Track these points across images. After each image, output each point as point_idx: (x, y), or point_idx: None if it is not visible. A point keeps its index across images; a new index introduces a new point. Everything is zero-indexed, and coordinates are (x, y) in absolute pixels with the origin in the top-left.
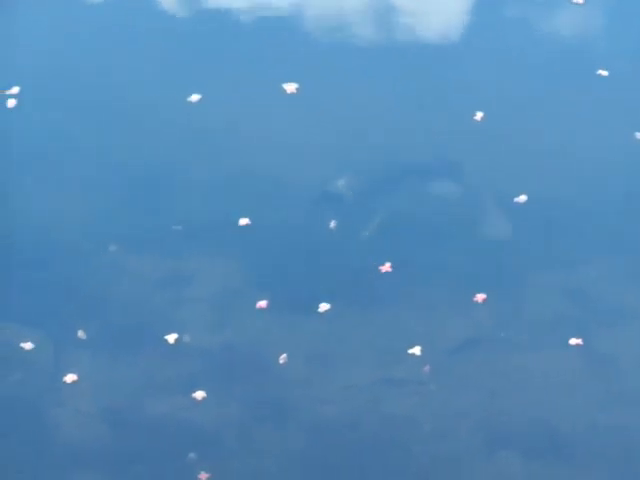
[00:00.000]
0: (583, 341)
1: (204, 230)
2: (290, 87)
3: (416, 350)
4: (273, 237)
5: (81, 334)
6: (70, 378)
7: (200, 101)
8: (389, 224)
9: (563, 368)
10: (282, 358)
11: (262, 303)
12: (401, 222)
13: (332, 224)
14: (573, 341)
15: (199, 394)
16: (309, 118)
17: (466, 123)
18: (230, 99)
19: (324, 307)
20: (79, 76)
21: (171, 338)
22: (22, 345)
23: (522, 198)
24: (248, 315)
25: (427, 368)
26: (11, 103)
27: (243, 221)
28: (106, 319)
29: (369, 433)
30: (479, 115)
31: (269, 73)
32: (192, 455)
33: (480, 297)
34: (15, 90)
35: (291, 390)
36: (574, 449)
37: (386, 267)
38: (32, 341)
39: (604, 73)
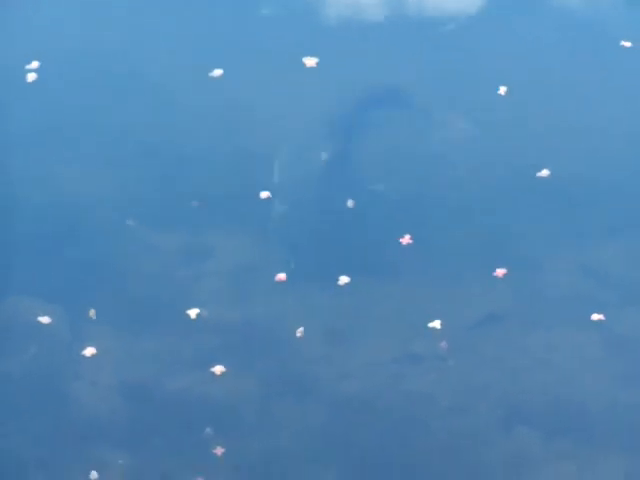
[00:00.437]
0: (604, 318)
1: (224, 204)
2: (310, 61)
3: (436, 324)
4: (292, 210)
5: (92, 314)
6: (88, 352)
7: (222, 76)
8: (410, 198)
9: (583, 345)
10: (299, 332)
11: (281, 276)
12: (422, 196)
13: (350, 203)
14: (595, 317)
15: (218, 369)
16: (330, 92)
17: (490, 97)
18: (251, 74)
19: (344, 280)
20: (99, 52)
21: (192, 313)
22: (39, 319)
23: (544, 173)
24: (267, 289)
25: (444, 344)
26: (31, 77)
27: (264, 194)
28: (124, 293)
29: (388, 409)
30: (503, 89)
31: (289, 47)
32: (208, 430)
33: (500, 272)
34: (35, 65)
35: (310, 365)
36: (594, 427)
37: (406, 239)
38: (49, 315)
39: (627, 44)
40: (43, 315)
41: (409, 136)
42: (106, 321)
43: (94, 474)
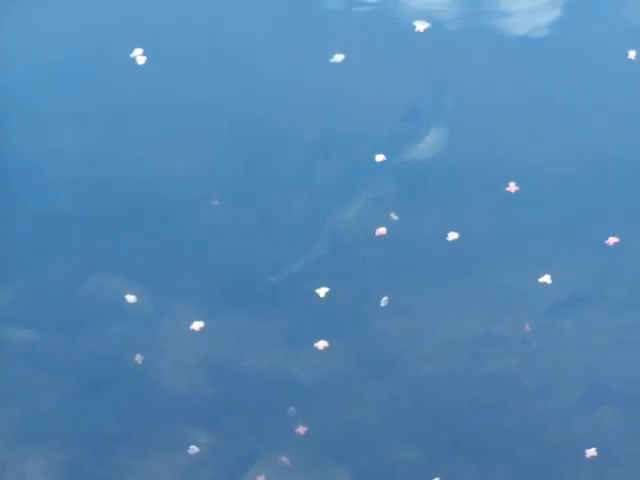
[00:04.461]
0: None
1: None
2: (420, 26)
3: (546, 279)
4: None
5: (138, 358)
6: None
7: (343, 61)
8: (521, 152)
9: None
10: (384, 301)
11: (381, 230)
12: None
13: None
14: None
15: (321, 344)
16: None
17: (619, 61)
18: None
19: (452, 236)
20: (216, 38)
21: (321, 292)
22: (126, 297)
23: None
24: (354, 260)
25: (527, 327)
26: (141, 60)
27: (379, 157)
28: (208, 271)
29: (470, 389)
30: (632, 53)
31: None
32: (292, 409)
33: (612, 240)
34: (139, 51)
35: (393, 344)
36: None
37: (512, 186)
38: (135, 294)
39: None
40: (129, 293)
41: (537, 96)
42: (190, 299)
43: (194, 449)
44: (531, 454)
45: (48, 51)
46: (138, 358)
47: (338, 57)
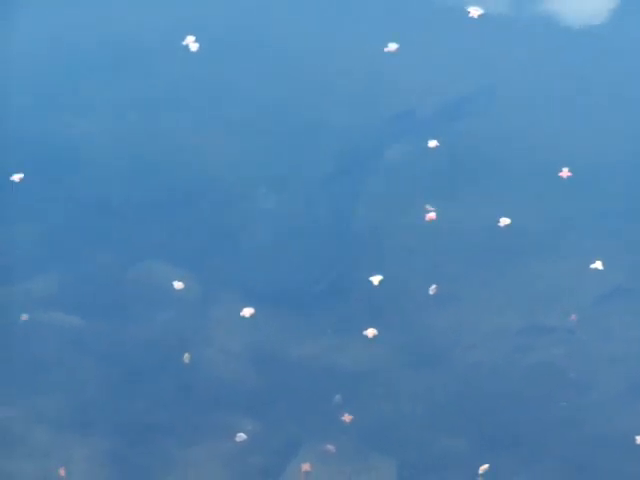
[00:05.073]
0: None
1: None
2: (475, 11)
3: (598, 265)
4: (453, 158)
5: (187, 357)
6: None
7: (397, 50)
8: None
9: None
10: (432, 289)
11: (431, 215)
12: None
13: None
14: None
15: (370, 332)
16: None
17: None
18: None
19: (504, 222)
20: (261, 27)
21: (375, 279)
22: (173, 284)
23: None
24: (402, 249)
25: (574, 317)
26: (194, 47)
27: (432, 143)
28: (255, 260)
29: (514, 379)
30: None
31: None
32: (337, 397)
33: None
34: (191, 39)
35: (440, 333)
36: None
37: (565, 172)
38: (183, 281)
39: None
40: (177, 280)
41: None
42: (237, 287)
43: (241, 436)
44: (576, 445)
45: (97, 38)
46: (186, 357)
47: (392, 46)
